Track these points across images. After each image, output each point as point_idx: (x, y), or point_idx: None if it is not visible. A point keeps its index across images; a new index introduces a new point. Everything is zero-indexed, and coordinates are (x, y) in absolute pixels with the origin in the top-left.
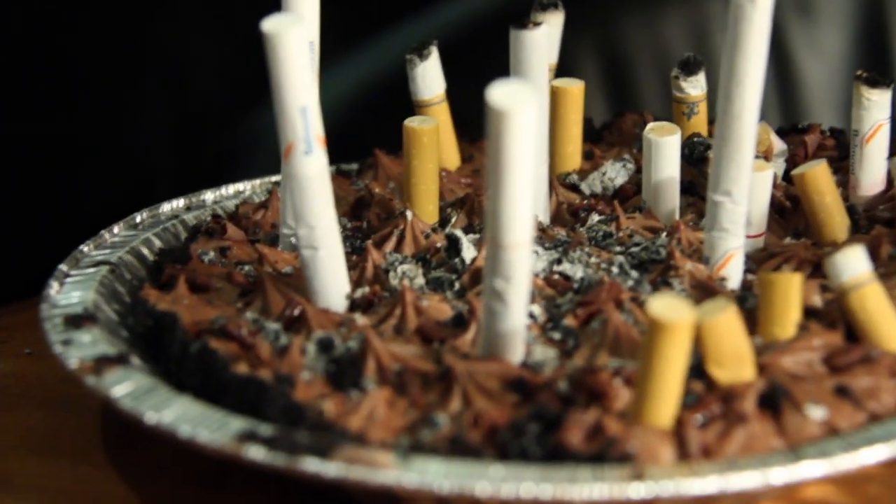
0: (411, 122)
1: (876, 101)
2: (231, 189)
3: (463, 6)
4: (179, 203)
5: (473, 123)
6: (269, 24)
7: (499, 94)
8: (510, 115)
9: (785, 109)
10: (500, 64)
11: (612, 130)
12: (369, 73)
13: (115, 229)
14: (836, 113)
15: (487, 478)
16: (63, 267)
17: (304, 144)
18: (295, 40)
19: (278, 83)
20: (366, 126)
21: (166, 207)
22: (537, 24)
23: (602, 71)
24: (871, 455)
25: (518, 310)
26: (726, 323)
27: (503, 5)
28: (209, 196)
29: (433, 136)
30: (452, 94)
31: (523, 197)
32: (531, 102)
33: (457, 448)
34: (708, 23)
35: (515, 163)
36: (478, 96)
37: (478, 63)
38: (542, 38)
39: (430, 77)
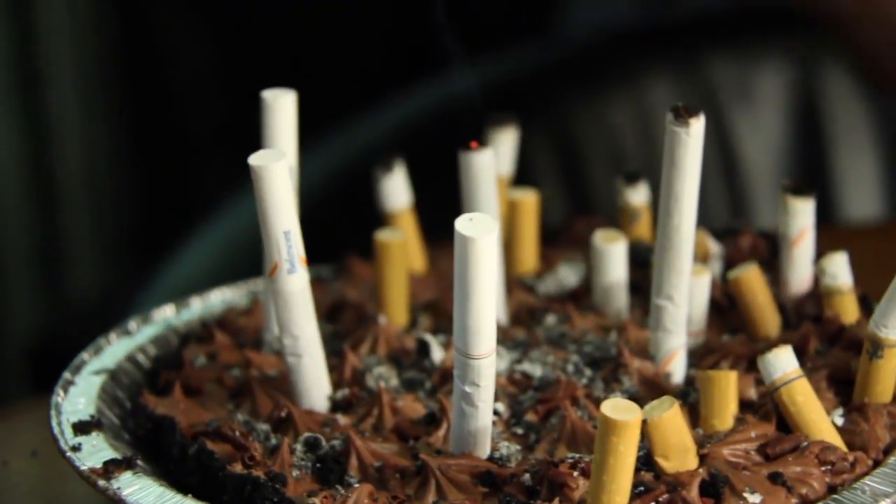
0: (382, 236)
1: (800, 209)
2: (216, 296)
3: (433, 94)
4: (169, 310)
5: (439, 219)
6: (255, 159)
7: (465, 222)
8: (475, 241)
9: (729, 191)
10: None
11: (565, 234)
12: (338, 162)
13: (111, 337)
14: (776, 194)
15: None
16: (67, 375)
17: (288, 264)
18: (279, 172)
19: (264, 210)
20: (337, 215)
21: (157, 315)
22: (482, 144)
23: (559, 170)
24: None
25: (485, 410)
26: (670, 419)
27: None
28: (196, 302)
29: (402, 247)
30: (417, 181)
31: (488, 313)
32: (494, 230)
33: None
34: (657, 120)
35: (480, 283)
36: (445, 185)
37: (445, 151)
38: (489, 159)
39: (396, 190)
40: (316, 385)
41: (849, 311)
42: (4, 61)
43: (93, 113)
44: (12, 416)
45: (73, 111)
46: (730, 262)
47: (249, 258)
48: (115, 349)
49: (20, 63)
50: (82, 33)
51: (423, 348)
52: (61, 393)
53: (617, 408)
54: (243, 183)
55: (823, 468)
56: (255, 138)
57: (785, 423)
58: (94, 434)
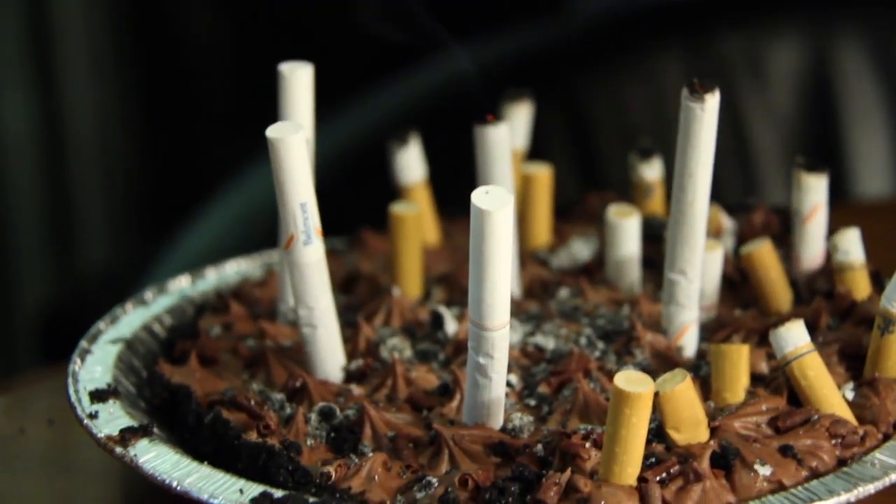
0: (397, 209)
1: (813, 186)
2: (231, 267)
3: (447, 68)
4: (184, 281)
5: (452, 193)
6: (273, 131)
7: (481, 195)
8: (491, 214)
9: (740, 167)
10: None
11: (578, 208)
12: (353, 135)
13: (128, 307)
14: (787, 171)
15: None
16: (84, 343)
17: (304, 236)
18: (296, 144)
19: (281, 182)
20: (352, 188)
21: (173, 285)
22: (497, 119)
23: (570, 146)
24: None
25: (498, 382)
26: (682, 392)
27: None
28: (212, 273)
29: (417, 220)
30: (431, 153)
31: (502, 285)
32: (509, 203)
33: None
34: (668, 96)
35: (495, 256)
36: (456, 161)
37: (459, 125)
38: (505, 134)
39: (411, 163)
40: (330, 355)
41: (860, 286)
42: (18, 36)
43: (105, 85)
44: (26, 384)
45: (86, 83)
46: (742, 238)
47: (260, 230)
48: (132, 318)
49: (33, 37)
50: (94, 6)
51: (437, 320)
52: (78, 361)
53: (630, 380)
54: (255, 155)
55: (833, 441)
56: (268, 110)
57: (796, 396)
58: (110, 402)
